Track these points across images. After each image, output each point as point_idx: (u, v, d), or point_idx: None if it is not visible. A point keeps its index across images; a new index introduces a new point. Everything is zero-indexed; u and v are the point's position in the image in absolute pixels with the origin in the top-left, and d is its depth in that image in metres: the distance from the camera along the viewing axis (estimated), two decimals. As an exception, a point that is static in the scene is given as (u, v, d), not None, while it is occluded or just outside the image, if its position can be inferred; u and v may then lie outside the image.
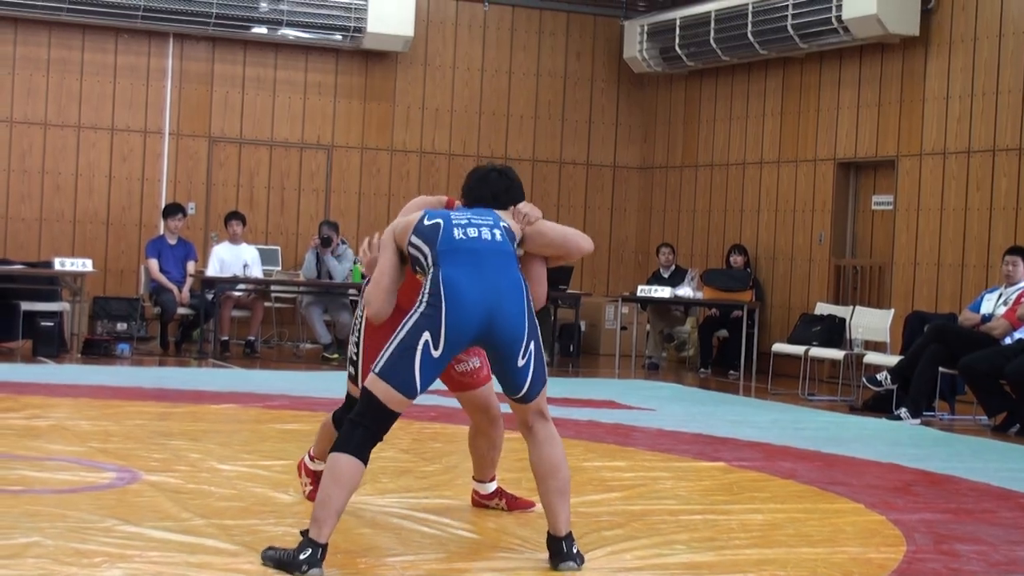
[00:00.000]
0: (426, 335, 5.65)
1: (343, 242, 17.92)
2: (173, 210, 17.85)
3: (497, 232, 5.90)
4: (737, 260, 18.31)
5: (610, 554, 6.20)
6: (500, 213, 6.07)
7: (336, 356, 17.26)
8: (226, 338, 17.31)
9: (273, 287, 18.24)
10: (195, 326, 17.64)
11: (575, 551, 5.73)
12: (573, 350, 18.65)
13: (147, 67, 19.48)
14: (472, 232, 5.85)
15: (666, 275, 18.96)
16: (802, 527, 7.16)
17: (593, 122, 21.58)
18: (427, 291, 5.73)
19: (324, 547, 5.39)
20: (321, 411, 11.15)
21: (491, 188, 6.25)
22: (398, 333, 5.70)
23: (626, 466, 9.02)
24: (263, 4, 19.26)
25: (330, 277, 17.58)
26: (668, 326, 18.90)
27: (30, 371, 13.54)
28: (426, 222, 5.93)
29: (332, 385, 13.29)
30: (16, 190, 18.95)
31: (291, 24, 19.50)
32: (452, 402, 12.55)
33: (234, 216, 17.90)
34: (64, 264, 16.19)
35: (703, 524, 7.09)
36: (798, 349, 15.71)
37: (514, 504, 7.14)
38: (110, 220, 19.32)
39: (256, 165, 20.10)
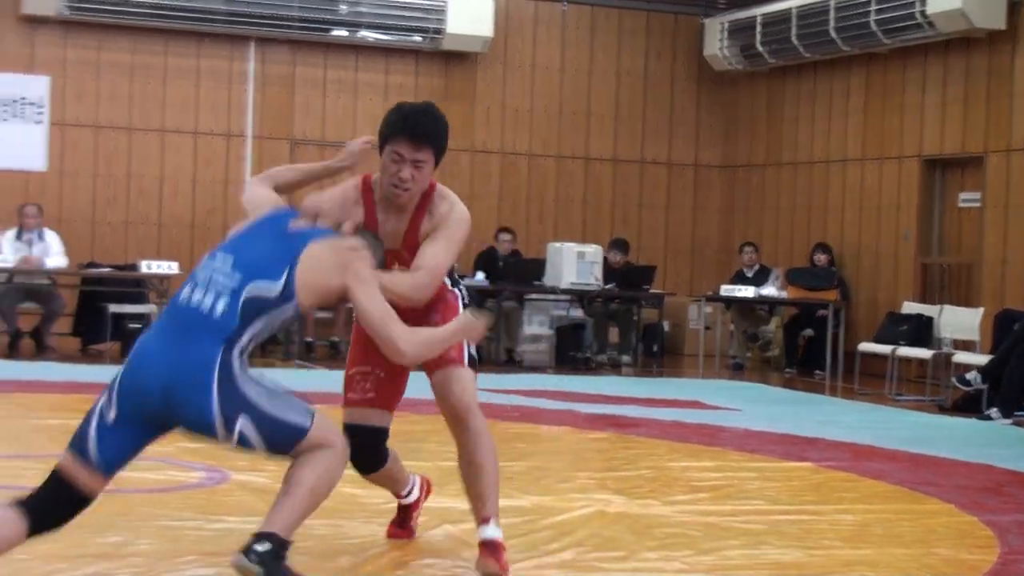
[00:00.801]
0: (102, 398, 4.96)
1: (425, 243, 17.91)
2: (256, 212, 17.90)
3: (223, 303, 4.94)
4: (821, 259, 18.17)
5: (698, 554, 6.16)
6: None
7: (419, 357, 17.22)
8: (311, 339, 17.36)
9: (356, 289, 18.25)
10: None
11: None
12: (657, 350, 18.59)
13: (229, 71, 19.58)
14: (197, 296, 4.97)
15: (750, 274, 18.85)
16: (893, 528, 7.08)
17: (674, 121, 21.49)
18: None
19: None
20: (407, 411, 11.17)
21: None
22: None
23: (713, 466, 8.96)
24: (342, 7, 19.32)
25: (413, 278, 17.57)
26: (752, 326, 18.79)
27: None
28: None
29: (416, 385, 13.29)
30: (102, 194, 19.10)
31: (371, 26, 19.55)
32: (535, 401, 12.58)
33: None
34: (150, 267, 16.29)
35: (792, 524, 7.03)
36: (885, 348, 15.56)
37: (482, 559, 5.59)
38: (194, 223, 19.44)
39: (339, 167, 20.13)
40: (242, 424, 4.83)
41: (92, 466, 4.89)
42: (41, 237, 16.35)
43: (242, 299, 4.95)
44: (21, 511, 4.87)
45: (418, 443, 9.29)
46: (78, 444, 4.92)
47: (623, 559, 5.93)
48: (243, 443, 4.87)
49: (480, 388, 13.31)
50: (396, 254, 5.56)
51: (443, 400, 5.62)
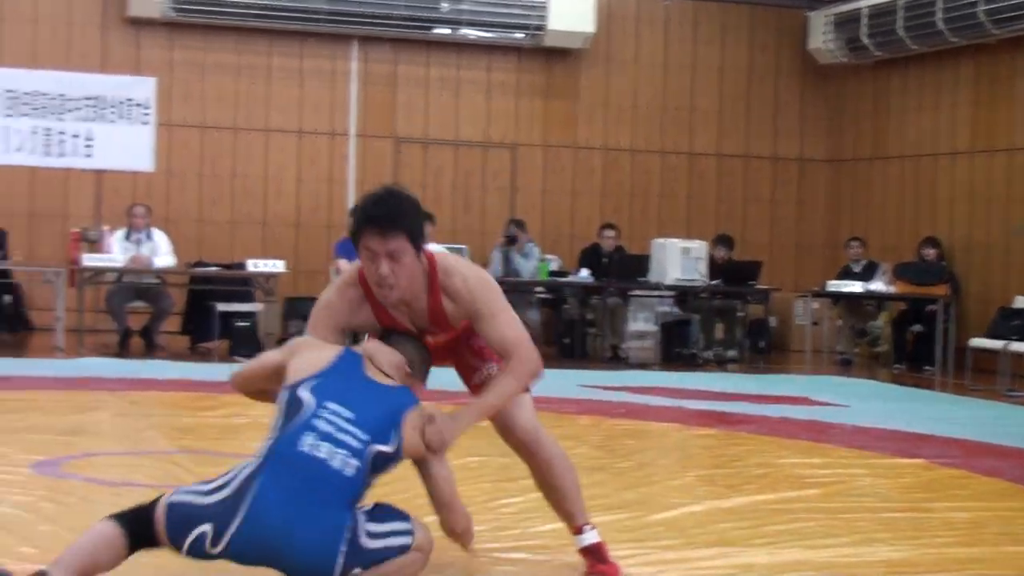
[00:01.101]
0: (207, 527, 4.69)
1: (529, 240, 17.92)
2: (361, 211, 17.97)
3: (353, 464, 4.79)
4: (930, 253, 17.97)
5: (808, 549, 6.11)
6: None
7: (524, 354, 17.22)
8: (415, 337, 17.39)
9: (460, 286, 18.28)
10: (384, 325, 17.74)
11: None
12: (763, 346, 18.48)
13: (332, 70, 19.69)
14: (324, 449, 4.77)
15: (857, 269, 18.68)
16: (1009, 525, 6.98)
17: (779, 115, 21.35)
18: (235, 474, 4.81)
19: None
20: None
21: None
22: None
23: (822, 463, 8.88)
24: (444, 4, 19.37)
25: (517, 275, 17.60)
26: (860, 321, 18.63)
27: (227, 370, 13.72)
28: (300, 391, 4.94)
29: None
30: (208, 194, 19.28)
31: (472, 24, 19.59)
32: (641, 398, 12.55)
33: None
34: (257, 265, 16.40)
35: (904, 522, 6.95)
36: (997, 344, 15.37)
37: (591, 569, 5.45)
38: (299, 222, 19.56)
39: (441, 165, 20.21)
40: (357, 572, 4.72)
41: (178, 552, 4.76)
42: (149, 237, 16.51)
43: (368, 459, 4.83)
44: (121, 526, 4.80)
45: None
46: (172, 534, 4.73)
47: (733, 555, 5.88)
48: None
49: (586, 385, 13.33)
50: (431, 332, 5.34)
51: (508, 432, 5.40)
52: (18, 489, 6.83)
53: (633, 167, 20.85)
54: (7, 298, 16.84)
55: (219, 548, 4.66)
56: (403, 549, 4.82)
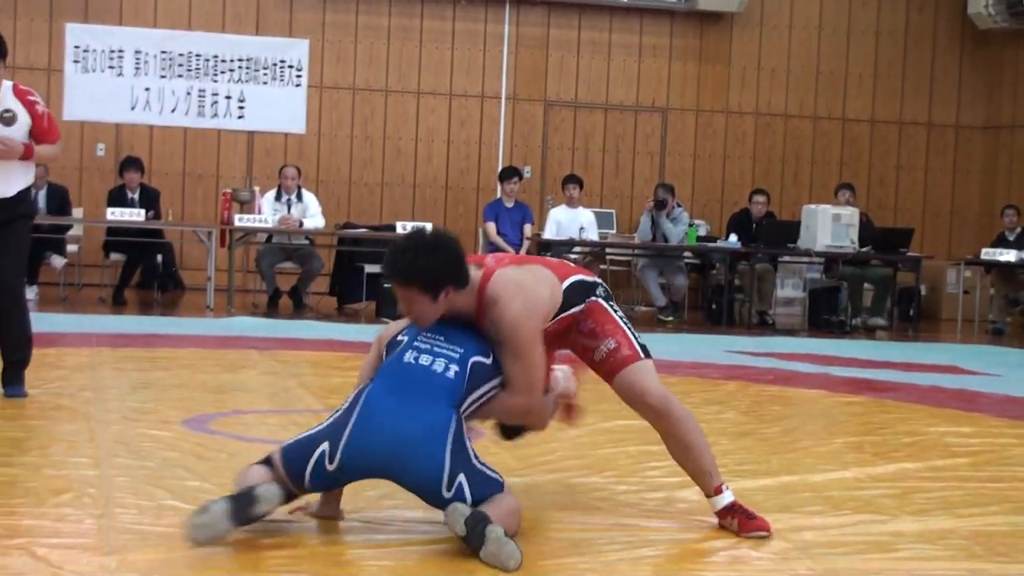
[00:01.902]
0: (324, 445, 5.07)
1: (678, 205, 17.83)
2: (509, 173, 18.01)
3: (454, 368, 5.17)
4: (1087, 221, 17.63)
5: (957, 518, 6.01)
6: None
7: (671, 319, 17.20)
8: (562, 300, 17.38)
9: (608, 250, 18.28)
10: (532, 288, 17.75)
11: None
12: (913, 314, 18.23)
13: (484, 33, 19.71)
14: (425, 359, 5.19)
15: (1011, 238, 18.36)
16: None
17: (935, 81, 21.03)
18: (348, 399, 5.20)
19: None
20: (659, 373, 11.14)
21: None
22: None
23: (972, 432, 8.73)
24: (598, -32, 19.30)
25: (665, 240, 17.52)
26: (1014, 290, 18.31)
27: (374, 331, 13.81)
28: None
29: (670, 347, 13.25)
30: (359, 156, 19.41)
31: (626, -13, 19.52)
32: (789, 364, 12.45)
33: (571, 179, 17.95)
34: (405, 227, 16.48)
35: (1057, 492, 6.81)
36: None
37: (746, 526, 5.46)
38: (448, 184, 19.65)
39: (591, 128, 20.17)
40: (460, 479, 4.97)
41: (302, 488, 5.12)
42: (299, 198, 16.65)
43: (469, 367, 5.19)
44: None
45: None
46: (293, 470, 5.08)
47: (882, 523, 5.81)
48: (457, 496, 4.96)
49: (732, 350, 13.27)
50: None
51: (636, 401, 5.54)
52: (168, 445, 6.93)
53: (786, 132, 20.66)
54: (159, 257, 17.09)
55: (336, 463, 5.00)
56: (500, 485, 5.08)
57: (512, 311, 5.27)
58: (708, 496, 5.55)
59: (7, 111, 8.04)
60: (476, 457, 5.11)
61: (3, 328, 8.23)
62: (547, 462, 5.68)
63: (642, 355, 5.57)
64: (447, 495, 4.95)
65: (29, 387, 8.35)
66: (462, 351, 5.21)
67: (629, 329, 5.66)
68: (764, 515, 5.51)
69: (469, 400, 5.18)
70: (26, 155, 8.08)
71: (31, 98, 8.16)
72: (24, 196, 8.23)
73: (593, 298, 5.66)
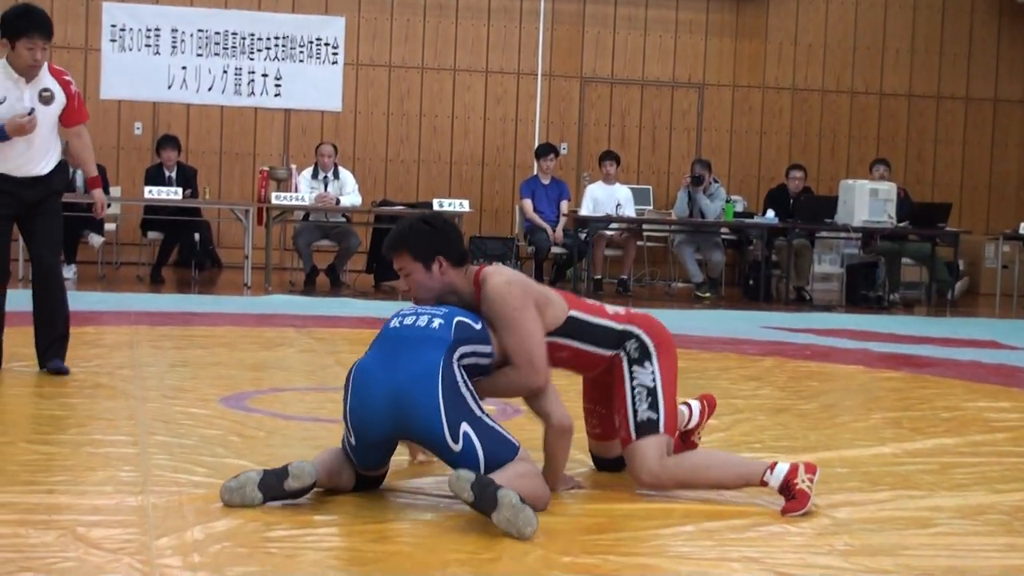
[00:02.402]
0: (344, 430, 5.33)
1: (715, 181, 17.79)
2: (546, 150, 18.00)
3: (437, 320, 5.33)
4: None
5: (995, 493, 5.99)
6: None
7: (708, 295, 17.18)
8: (599, 277, 17.40)
9: (645, 226, 18.25)
10: (569, 265, 17.78)
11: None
12: (952, 290, 18.15)
13: (520, 9, 19.68)
14: (409, 319, 5.37)
15: (1051, 212, 18.28)
16: None
17: (973, 55, 20.91)
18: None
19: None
20: (696, 349, 11.14)
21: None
22: None
23: (1011, 407, 8.70)
24: (634, -57, 19.24)
25: (702, 215, 17.49)
26: (1053, 265, 18.24)
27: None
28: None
29: (705, 324, 13.25)
30: (395, 133, 19.42)
31: (662, -38, 19.45)
32: (827, 340, 12.42)
33: (607, 156, 17.92)
34: (442, 204, 16.49)
35: (1097, 467, 6.78)
36: None
37: (784, 508, 5.44)
38: (485, 161, 19.64)
39: (628, 105, 20.14)
40: (465, 429, 5.08)
41: (363, 468, 5.36)
42: (336, 176, 16.66)
43: (454, 321, 5.32)
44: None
45: (709, 380, 9.26)
46: (352, 454, 5.33)
47: (920, 498, 5.79)
48: (467, 450, 5.06)
49: (770, 326, 13.25)
50: None
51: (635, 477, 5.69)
52: (206, 423, 6.95)
53: (823, 107, 20.58)
54: (196, 236, 17.14)
55: (353, 437, 5.24)
56: (515, 448, 5.17)
57: (496, 280, 5.51)
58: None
59: (46, 90, 8.17)
60: (486, 415, 5.20)
61: (43, 305, 8.29)
62: (577, 439, 5.67)
63: (634, 436, 5.61)
64: (455, 448, 5.05)
65: (70, 367, 8.38)
66: (446, 311, 5.38)
67: (633, 402, 5.66)
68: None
69: (460, 352, 5.25)
70: (93, 184, 8.64)
71: (66, 78, 8.32)
72: (58, 171, 8.33)
73: (621, 354, 5.76)
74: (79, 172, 16.47)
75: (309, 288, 16.16)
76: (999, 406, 8.71)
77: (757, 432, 7.32)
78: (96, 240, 16.49)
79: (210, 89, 18.21)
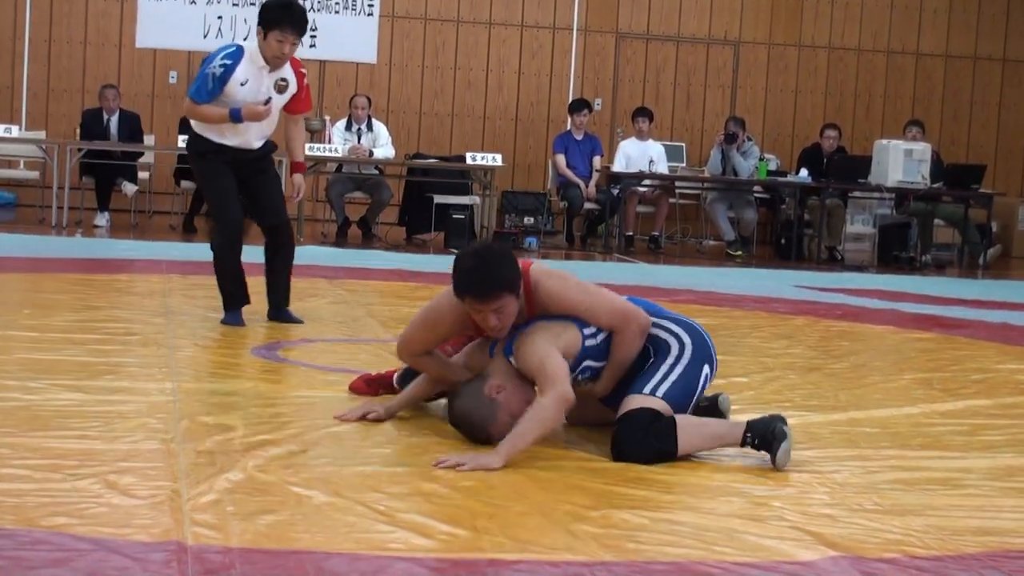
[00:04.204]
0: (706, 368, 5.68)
1: (749, 138, 17.73)
2: (579, 106, 17.96)
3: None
4: None
5: (1026, 457, 6.00)
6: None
7: (740, 253, 17.15)
8: (631, 233, 17.39)
9: (678, 183, 18.22)
10: (600, 221, 17.77)
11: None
12: (985, 252, 18.09)
13: (556, -37, 19.63)
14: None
15: (1086, 175, 18.18)
16: None
17: (1011, 15, 20.77)
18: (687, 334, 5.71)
19: None
20: (727, 307, 11.13)
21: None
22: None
23: (1043, 369, 8.69)
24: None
25: (735, 173, 17.44)
26: (1087, 228, 18.15)
27: (442, 261, 13.85)
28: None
29: (739, 282, 13.23)
30: (429, 86, 19.40)
31: (700, -82, 19.35)
32: (858, 300, 12.39)
33: (641, 112, 17.87)
34: (475, 158, 16.48)
35: None
36: None
37: None
38: (519, 116, 19.61)
39: (663, 61, 20.07)
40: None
41: None
42: (370, 128, 16.65)
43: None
44: None
45: (740, 338, 9.25)
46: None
47: (950, 459, 5.79)
48: None
49: (801, 285, 13.23)
50: None
51: None
52: (238, 371, 6.98)
53: (859, 66, 20.49)
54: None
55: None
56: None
57: (548, 282, 5.60)
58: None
59: (283, 80, 8.57)
60: None
61: (278, 262, 8.97)
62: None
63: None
64: None
65: (102, 315, 8.41)
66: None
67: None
68: (831, 449, 5.50)
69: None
70: (298, 169, 9.05)
71: (302, 70, 8.74)
72: (267, 143, 8.83)
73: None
74: (113, 118, 16.51)
75: (341, 240, 16.19)
76: (1031, 368, 8.69)
77: (787, 391, 7.32)
78: (130, 189, 16.53)
79: (245, 39, 18.15)
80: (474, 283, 5.40)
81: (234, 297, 8.75)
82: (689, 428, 5.42)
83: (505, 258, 5.49)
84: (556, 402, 5.29)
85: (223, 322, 8.60)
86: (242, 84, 8.37)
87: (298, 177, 9.10)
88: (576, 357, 5.56)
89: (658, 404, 5.42)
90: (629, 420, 5.38)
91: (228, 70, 8.35)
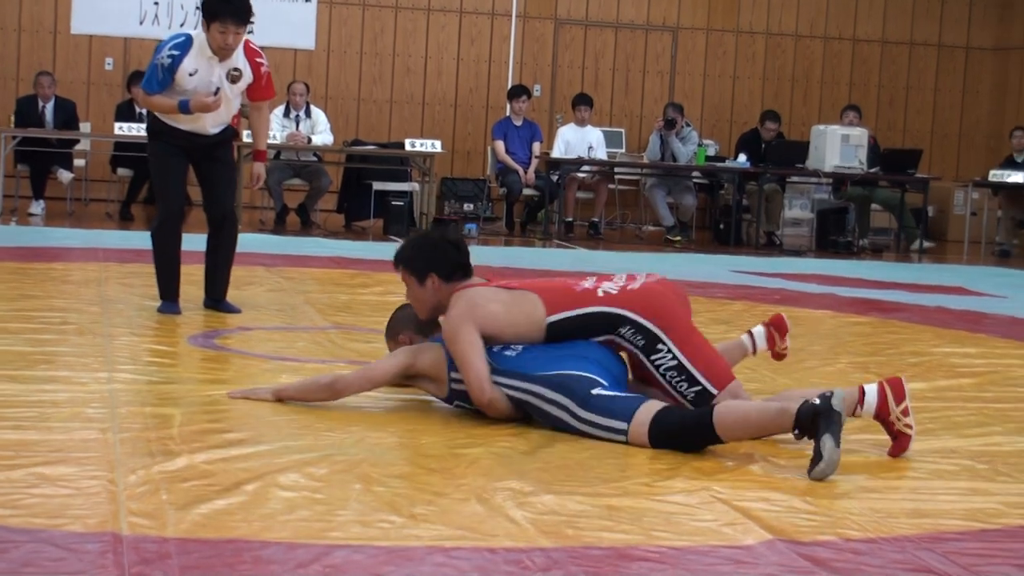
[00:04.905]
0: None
1: (688, 124, 17.78)
2: (518, 92, 17.96)
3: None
4: (1096, 143, 17.56)
5: (961, 437, 6.04)
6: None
7: (679, 238, 17.20)
8: (570, 219, 17.41)
9: (617, 169, 18.25)
10: (540, 207, 17.78)
11: None
12: (920, 236, 18.22)
13: (494, -51, 19.61)
14: None
15: (1020, 159, 18.30)
16: None
17: (946, 2, 20.89)
18: None
19: None
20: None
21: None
22: None
23: (976, 352, 8.75)
24: None
25: (674, 159, 17.49)
26: (1021, 212, 18.27)
27: (382, 248, 13.83)
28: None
29: (678, 267, 13.26)
30: (368, 73, 19.35)
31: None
32: (796, 284, 12.46)
33: (581, 100, 17.88)
34: (414, 145, 16.46)
35: (1060, 414, 6.83)
36: None
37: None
38: (458, 102, 19.59)
39: (602, 47, 20.09)
40: None
41: None
42: (308, 114, 16.59)
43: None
44: None
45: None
46: None
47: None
48: None
49: (740, 270, 13.26)
50: None
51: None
52: (174, 360, 6.95)
53: (796, 52, 20.57)
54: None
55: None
56: None
57: (451, 315, 5.82)
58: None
59: (235, 70, 8.51)
60: None
61: (220, 255, 8.93)
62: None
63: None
64: None
65: (38, 304, 8.36)
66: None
67: (673, 387, 5.86)
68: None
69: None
70: (259, 157, 9.02)
71: (258, 60, 8.68)
72: (225, 129, 8.83)
73: (616, 339, 5.88)
74: (48, 105, 16.40)
75: (279, 227, 16.13)
76: (965, 351, 8.76)
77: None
78: (65, 176, 16.42)
79: (182, 25, 18.09)
80: (395, 253, 6.09)
81: (170, 286, 8.71)
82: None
83: (429, 241, 6.08)
84: (364, 372, 5.96)
85: (159, 311, 8.57)
86: (191, 74, 8.34)
87: (258, 166, 9.07)
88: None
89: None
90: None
91: (176, 60, 8.32)
